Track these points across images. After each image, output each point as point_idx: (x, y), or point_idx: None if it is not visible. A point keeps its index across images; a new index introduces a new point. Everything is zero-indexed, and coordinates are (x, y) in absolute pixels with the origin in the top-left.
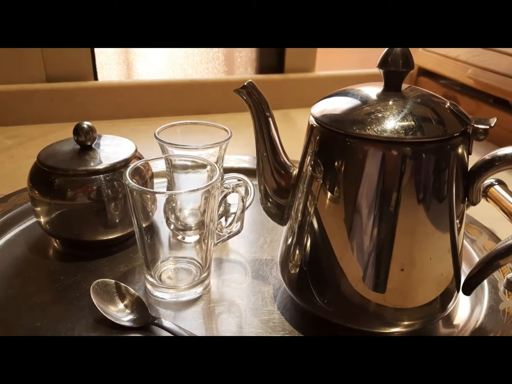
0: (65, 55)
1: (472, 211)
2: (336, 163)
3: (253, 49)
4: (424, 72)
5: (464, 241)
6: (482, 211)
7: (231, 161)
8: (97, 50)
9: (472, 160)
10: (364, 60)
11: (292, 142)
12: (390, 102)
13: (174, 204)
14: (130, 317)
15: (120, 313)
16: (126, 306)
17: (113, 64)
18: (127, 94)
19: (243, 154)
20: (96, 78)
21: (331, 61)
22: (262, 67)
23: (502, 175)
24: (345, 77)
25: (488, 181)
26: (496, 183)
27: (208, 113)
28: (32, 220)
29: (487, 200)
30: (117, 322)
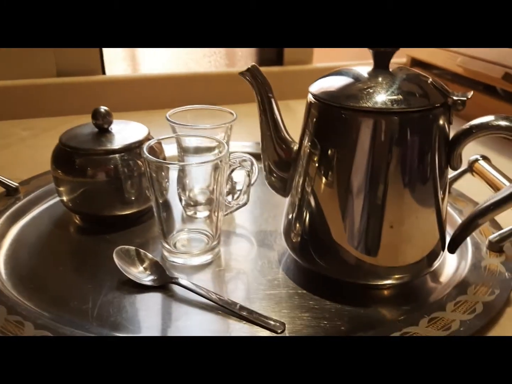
0: (74, 51)
1: (459, 186)
2: (332, 134)
3: None
4: (418, 63)
5: (452, 212)
6: (468, 186)
7: (235, 146)
8: None
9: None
10: (361, 52)
11: (292, 131)
12: (380, 79)
13: (186, 181)
14: (151, 277)
15: (141, 274)
16: (145, 268)
17: (120, 59)
18: (133, 87)
19: (245, 141)
20: (104, 73)
21: (328, 53)
22: (262, 60)
23: (486, 151)
24: None
25: (473, 157)
26: (481, 158)
27: (211, 105)
28: (53, 200)
29: (472, 174)
30: (138, 281)
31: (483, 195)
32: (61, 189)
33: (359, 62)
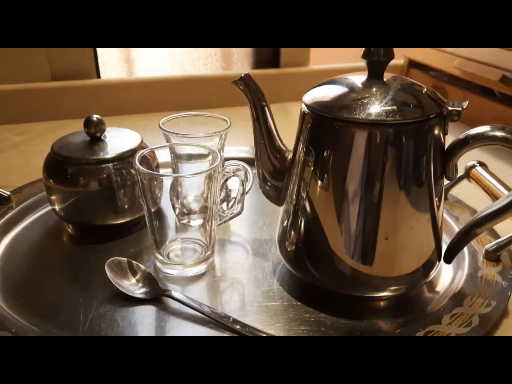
0: (69, 54)
1: (456, 192)
2: (326, 145)
3: None
4: (415, 64)
5: (449, 219)
6: (465, 192)
7: (231, 151)
8: (99, 49)
9: (450, 141)
10: (358, 54)
11: (288, 134)
12: (374, 89)
13: (179, 189)
14: (143, 290)
15: (133, 287)
16: (138, 280)
17: (115, 62)
18: (128, 90)
19: (241, 145)
20: (99, 76)
21: (325, 55)
22: (258, 62)
23: (483, 157)
24: (339, 71)
25: (470, 163)
26: (478, 164)
27: (207, 108)
28: (46, 209)
29: (469, 180)
30: (130, 294)
31: (480, 202)
32: (53, 198)
33: (355, 64)
